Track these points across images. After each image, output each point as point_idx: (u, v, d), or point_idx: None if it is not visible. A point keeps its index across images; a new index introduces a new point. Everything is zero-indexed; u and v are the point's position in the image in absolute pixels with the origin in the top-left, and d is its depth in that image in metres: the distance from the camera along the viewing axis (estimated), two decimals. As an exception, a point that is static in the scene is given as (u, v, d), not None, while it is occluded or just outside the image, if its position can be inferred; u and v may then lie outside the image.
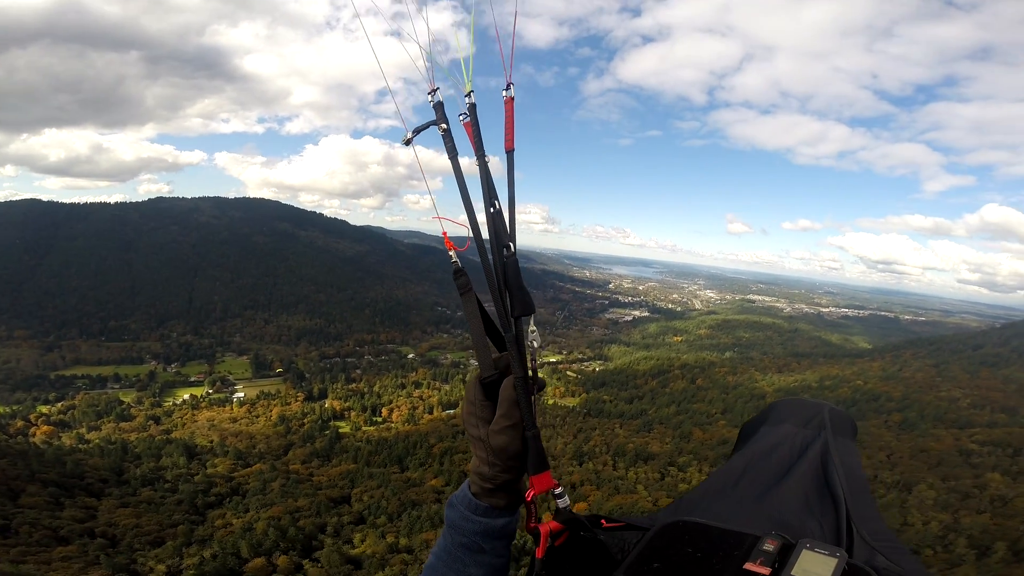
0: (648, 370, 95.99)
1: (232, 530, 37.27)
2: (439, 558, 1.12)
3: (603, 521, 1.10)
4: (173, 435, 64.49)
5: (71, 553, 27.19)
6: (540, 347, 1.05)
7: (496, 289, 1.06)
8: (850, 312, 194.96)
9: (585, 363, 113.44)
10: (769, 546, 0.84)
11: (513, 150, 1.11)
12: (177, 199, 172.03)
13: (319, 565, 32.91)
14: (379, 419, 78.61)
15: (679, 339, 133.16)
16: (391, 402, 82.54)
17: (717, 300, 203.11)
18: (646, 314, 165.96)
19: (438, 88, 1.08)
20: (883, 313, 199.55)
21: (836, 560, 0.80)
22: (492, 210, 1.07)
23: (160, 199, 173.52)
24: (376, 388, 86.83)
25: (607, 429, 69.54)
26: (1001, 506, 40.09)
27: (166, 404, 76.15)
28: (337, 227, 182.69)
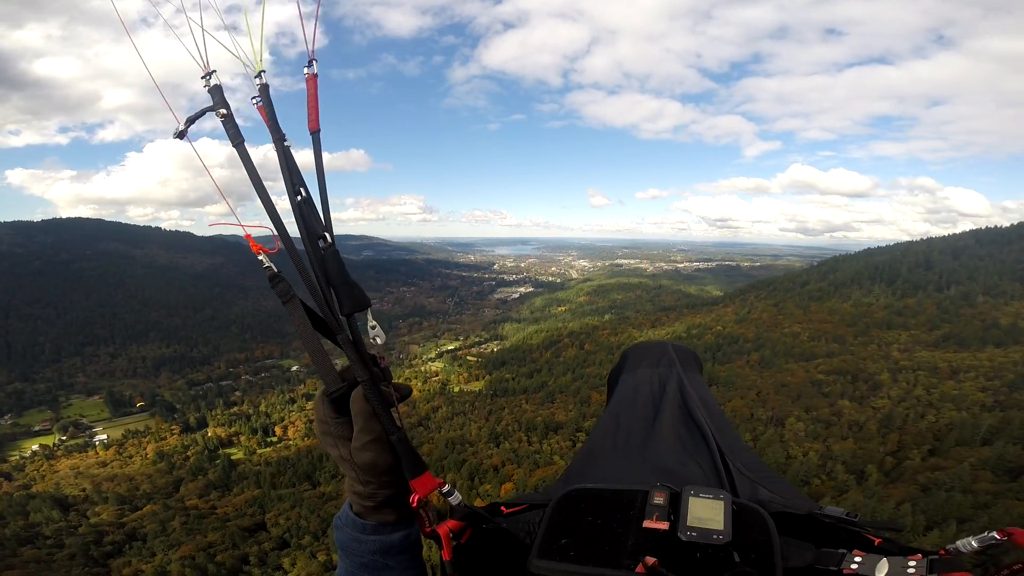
0: (541, 343, 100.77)
1: None
2: None
3: (503, 508, 1.07)
4: (34, 488, 56.11)
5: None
6: (384, 343, 0.94)
7: (317, 287, 0.93)
8: (701, 265, 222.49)
9: (483, 345, 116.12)
10: (659, 499, 0.85)
11: (318, 130, 0.99)
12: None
13: None
14: (274, 439, 74.43)
15: (563, 309, 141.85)
16: (283, 419, 78.17)
17: (590, 268, 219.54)
18: (531, 289, 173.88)
19: (214, 71, 0.94)
20: (727, 263, 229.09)
21: (722, 502, 0.83)
22: (299, 198, 0.95)
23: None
24: (262, 408, 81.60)
25: (515, 406, 71.97)
26: (858, 431, 43.43)
27: (12, 459, 65.84)
28: (181, 240, 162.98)
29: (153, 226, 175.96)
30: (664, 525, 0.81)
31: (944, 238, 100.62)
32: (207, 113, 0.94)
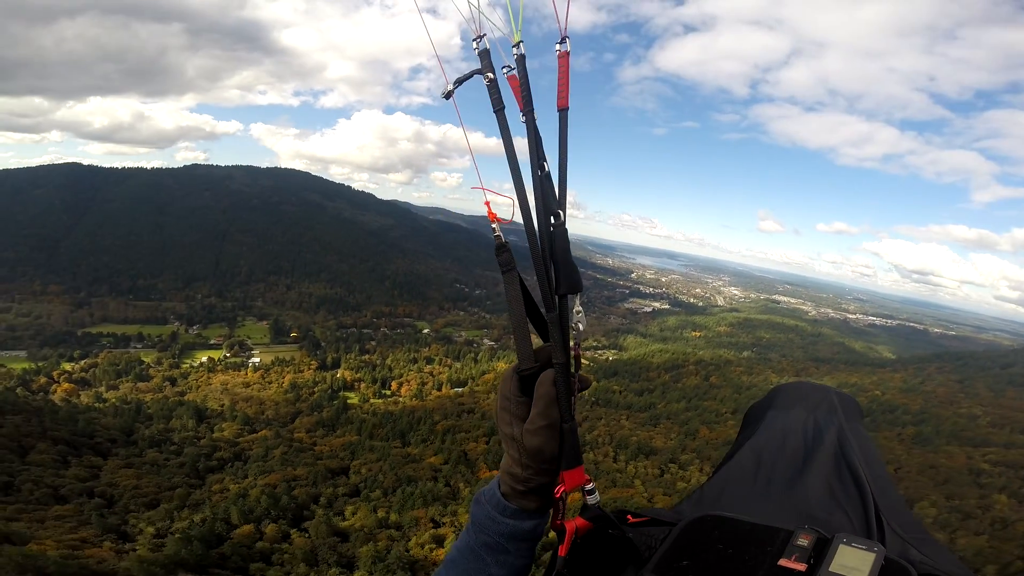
0: (662, 363, 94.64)
1: (227, 496, 38.08)
2: (461, 553, 1.06)
3: (629, 516, 1.06)
4: (187, 397, 66.03)
5: (67, 513, 28.27)
6: (584, 331, 0.96)
7: (541, 263, 0.94)
8: (878, 321, 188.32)
9: (599, 351, 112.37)
10: (803, 541, 0.81)
11: (567, 108, 0.99)
12: (212, 166, 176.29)
13: (307, 535, 33.27)
14: (388, 392, 78.97)
15: (698, 334, 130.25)
16: (401, 376, 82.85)
17: (741, 298, 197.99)
18: (666, 306, 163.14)
19: (484, 35, 0.96)
20: (912, 324, 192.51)
21: (874, 555, 0.77)
22: (540, 173, 0.95)
23: (196, 166, 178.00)
24: (388, 361, 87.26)
25: (613, 420, 68.67)
26: (1001, 528, 38.91)
27: (184, 366, 77.81)
28: (364, 200, 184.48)
29: (345, 184, 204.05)
30: (802, 567, 0.77)
31: None
32: (474, 75, 0.97)
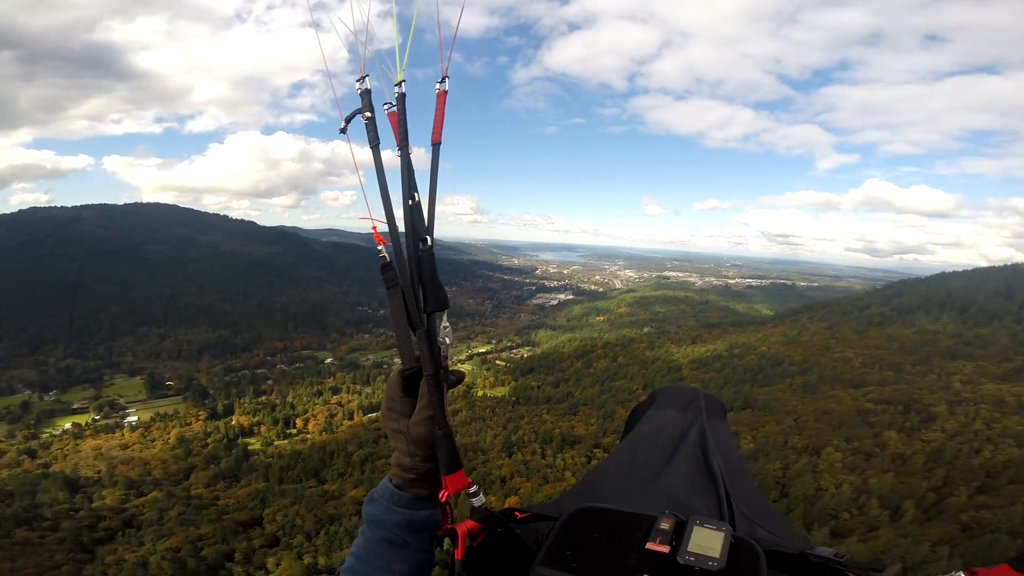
0: (573, 352, 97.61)
1: (124, 567, 33.84)
2: (359, 558, 1.09)
3: (516, 513, 1.12)
4: (53, 469, 57.74)
5: None
6: (452, 344, 1.06)
7: (409, 283, 1.05)
8: (754, 282, 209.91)
9: (514, 350, 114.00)
10: (665, 525, 0.92)
11: (440, 143, 1.10)
12: (54, 208, 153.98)
13: None
14: (293, 431, 74.41)
15: (601, 319, 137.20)
16: (306, 411, 78.36)
17: (636, 279, 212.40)
18: (571, 297, 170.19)
19: (368, 75, 1.05)
20: (782, 281, 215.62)
21: (723, 534, 0.90)
22: (411, 203, 1.06)
23: (34, 209, 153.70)
24: (290, 398, 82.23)
25: (535, 416, 69.49)
26: (902, 464, 41.62)
27: (43, 436, 68.08)
28: (244, 229, 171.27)
29: (222, 214, 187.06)
30: (665, 548, 0.88)
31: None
32: (356, 115, 1.08)
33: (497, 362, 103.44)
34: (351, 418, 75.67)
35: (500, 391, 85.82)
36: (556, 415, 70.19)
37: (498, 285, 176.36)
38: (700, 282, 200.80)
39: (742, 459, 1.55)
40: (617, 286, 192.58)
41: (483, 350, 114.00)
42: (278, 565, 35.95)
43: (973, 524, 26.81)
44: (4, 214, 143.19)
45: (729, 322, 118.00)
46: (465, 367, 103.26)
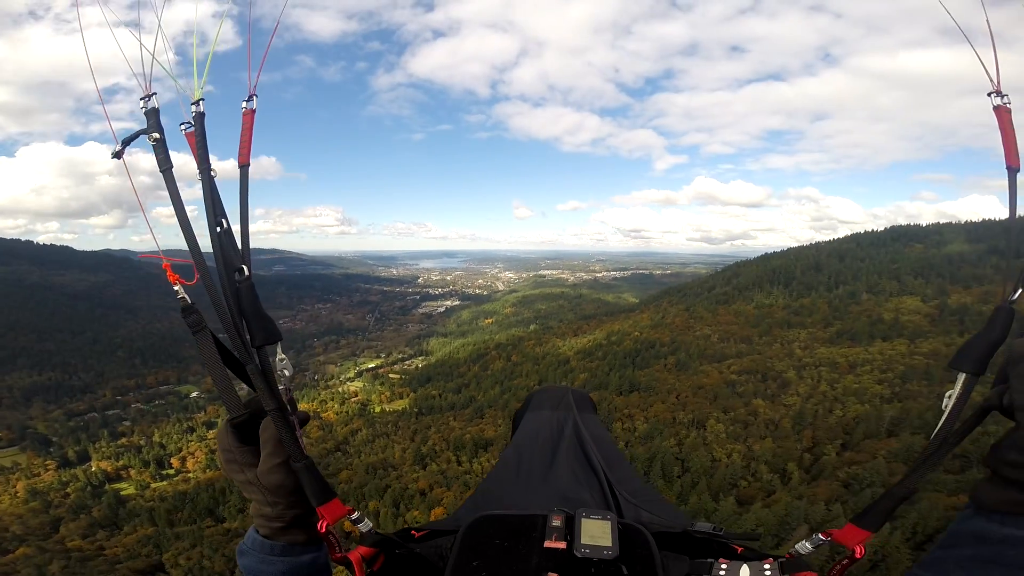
0: (468, 356, 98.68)
1: None
2: None
3: (413, 532, 1.13)
4: None
5: None
6: (292, 375, 0.98)
7: (229, 319, 0.93)
8: (618, 274, 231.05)
9: (407, 362, 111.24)
10: (556, 522, 0.98)
11: (247, 165, 1.00)
12: None
13: None
14: (171, 471, 67.37)
15: (490, 321, 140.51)
16: (181, 450, 70.91)
17: (516, 280, 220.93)
18: (457, 303, 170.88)
19: (154, 94, 0.95)
20: (641, 271, 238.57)
21: (609, 522, 0.97)
22: (220, 229, 0.94)
23: None
24: (156, 438, 73.73)
25: (442, 424, 68.72)
26: (775, 429, 44.08)
27: None
28: (57, 255, 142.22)
29: (24, 239, 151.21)
30: (562, 544, 0.94)
31: (829, 242, 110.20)
32: (140, 135, 0.95)
33: (391, 375, 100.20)
34: (236, 450, 68.17)
35: (399, 404, 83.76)
36: (463, 420, 70.02)
37: (378, 297, 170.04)
38: (572, 278, 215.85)
39: (616, 447, 1.69)
40: (499, 288, 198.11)
41: (373, 365, 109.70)
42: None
43: (851, 480, 30.09)
44: None
45: (603, 312, 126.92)
46: (355, 384, 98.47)
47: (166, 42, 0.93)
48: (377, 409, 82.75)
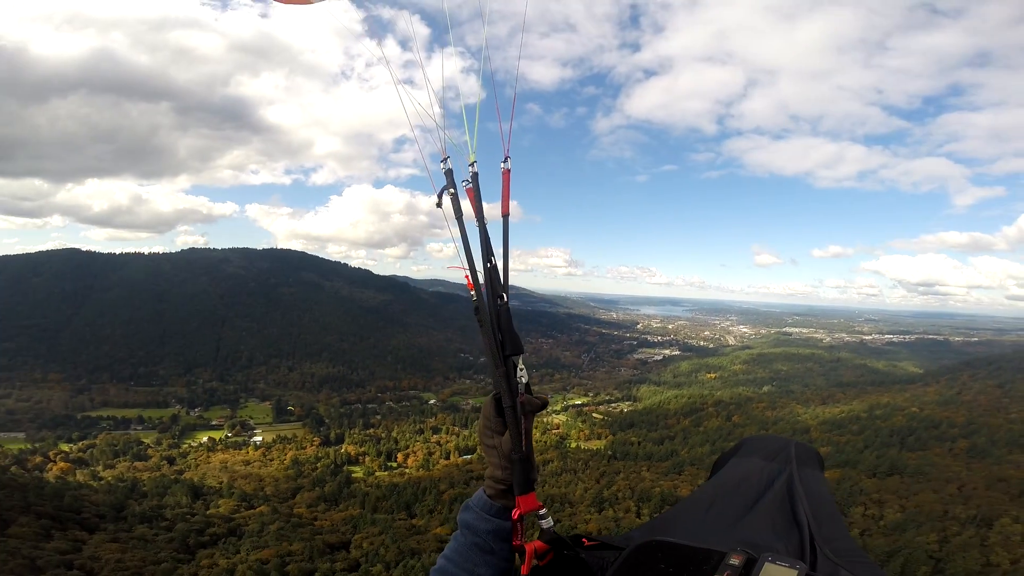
0: (680, 408, 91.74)
1: (214, 571, 35.11)
2: (449, 559, 1.22)
3: (584, 540, 1.18)
4: (185, 476, 63.63)
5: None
6: (526, 380, 1.25)
7: (491, 332, 1.27)
8: (895, 338, 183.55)
9: (612, 404, 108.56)
10: (735, 560, 0.91)
11: (508, 215, 1.35)
12: (208, 250, 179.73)
13: None
14: (394, 464, 76.86)
15: (713, 376, 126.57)
16: (407, 447, 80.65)
17: (752, 335, 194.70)
18: (677, 352, 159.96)
19: (448, 157, 1.31)
20: (931, 336, 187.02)
21: (796, 571, 0.86)
22: (488, 265, 1.30)
23: (192, 250, 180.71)
24: (394, 434, 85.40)
25: (632, 472, 64.66)
26: None
27: (183, 446, 76.08)
28: (361, 277, 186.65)
29: (342, 262, 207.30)
30: None
31: None
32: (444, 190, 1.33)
33: (594, 415, 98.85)
34: (448, 457, 76.38)
35: (596, 444, 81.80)
36: (657, 473, 64.70)
37: (595, 338, 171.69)
38: (829, 338, 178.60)
39: (835, 506, 1.48)
40: (730, 342, 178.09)
41: (579, 402, 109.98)
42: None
43: None
44: (170, 252, 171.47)
45: (867, 381, 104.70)
46: (560, 418, 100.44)
47: (442, 108, 1.27)
48: (573, 445, 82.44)
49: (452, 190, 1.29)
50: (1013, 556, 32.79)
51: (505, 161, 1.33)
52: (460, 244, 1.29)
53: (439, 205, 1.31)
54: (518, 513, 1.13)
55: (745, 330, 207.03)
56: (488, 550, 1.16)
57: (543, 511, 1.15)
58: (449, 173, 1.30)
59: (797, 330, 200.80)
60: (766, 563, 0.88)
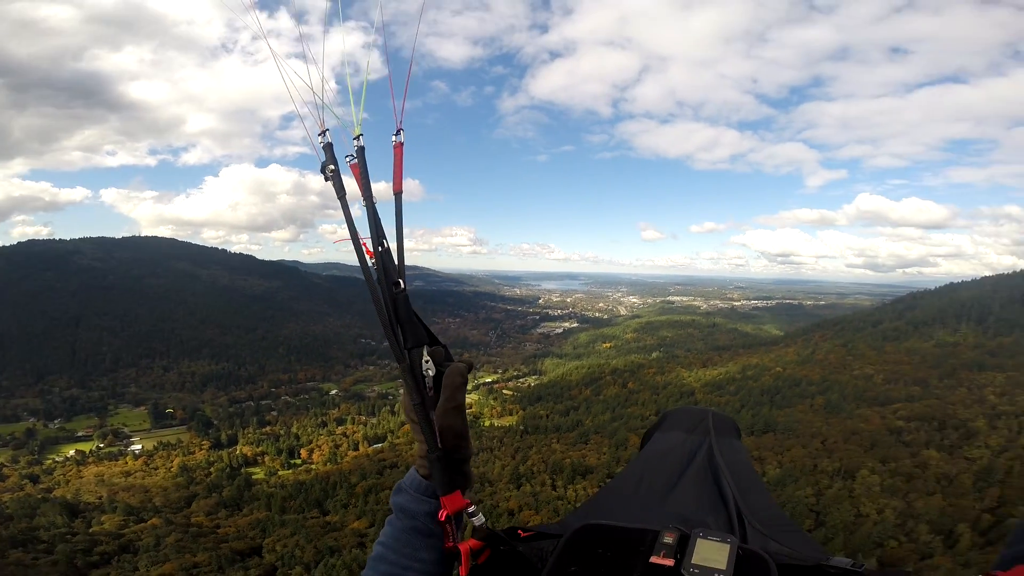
0: (581, 379, 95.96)
1: None
2: (387, 546, 1.13)
3: (520, 532, 1.14)
4: (54, 493, 56.59)
5: None
6: (434, 375, 1.11)
7: (387, 324, 1.13)
8: (759, 303, 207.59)
9: (520, 379, 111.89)
10: (668, 539, 0.91)
11: (401, 192, 1.19)
12: (53, 241, 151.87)
13: None
14: (298, 461, 72.80)
15: (608, 345, 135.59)
16: (311, 442, 76.72)
17: (640, 305, 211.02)
18: (576, 325, 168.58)
19: (328, 130, 1.12)
20: (788, 301, 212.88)
21: (728, 545, 0.88)
22: (380, 249, 1.14)
23: (32, 242, 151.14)
24: (294, 429, 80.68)
25: (544, 445, 67.14)
26: (948, 485, 39.07)
27: (47, 462, 67.06)
28: (243, 263, 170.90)
29: (220, 248, 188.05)
30: (669, 562, 0.87)
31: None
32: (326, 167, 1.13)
33: (504, 391, 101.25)
34: (356, 448, 73.94)
35: (508, 420, 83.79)
36: (566, 444, 67.91)
37: (501, 315, 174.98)
38: (705, 305, 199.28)
39: (756, 474, 1.52)
40: (622, 313, 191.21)
41: (489, 380, 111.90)
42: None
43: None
44: (3, 246, 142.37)
45: (739, 344, 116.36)
46: (472, 397, 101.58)
47: (323, 76, 1.08)
48: (487, 423, 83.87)
49: (332, 167, 1.11)
50: (877, 506, 37.09)
51: (397, 134, 1.17)
52: (347, 227, 1.11)
53: (327, 180, 1.13)
54: (444, 514, 1.05)
55: (634, 300, 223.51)
56: (427, 532, 1.10)
57: (472, 508, 1.09)
58: (328, 147, 1.12)
59: (679, 298, 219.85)
60: (698, 539, 0.90)
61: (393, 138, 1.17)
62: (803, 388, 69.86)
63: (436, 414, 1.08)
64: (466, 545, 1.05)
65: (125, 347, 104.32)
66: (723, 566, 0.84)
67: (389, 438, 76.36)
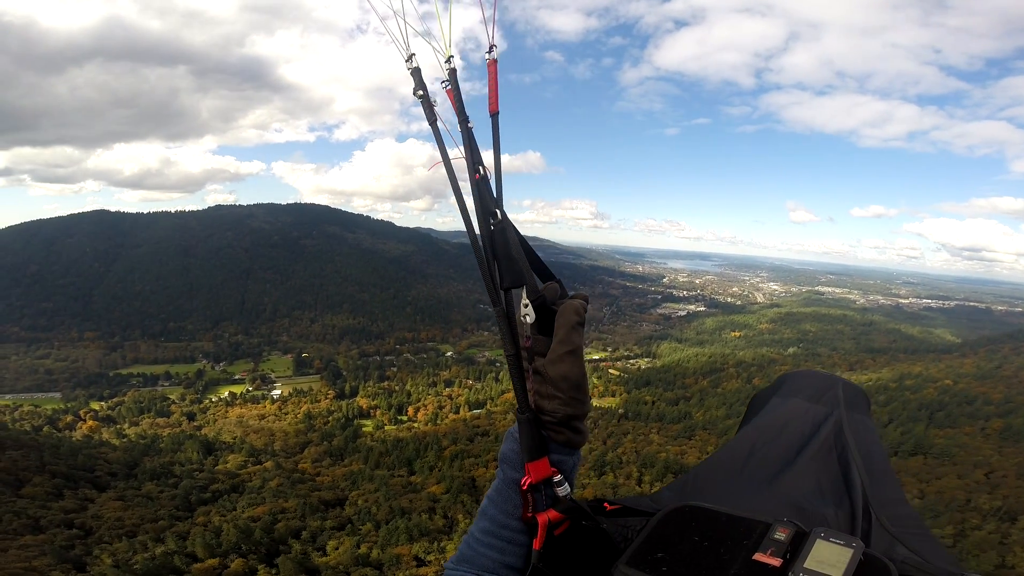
0: (699, 368, 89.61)
1: (200, 531, 36.05)
2: (491, 500, 1.05)
3: (606, 504, 1.05)
4: (203, 431, 65.80)
5: (34, 543, 26.86)
6: (534, 322, 0.98)
7: (483, 260, 0.99)
8: (933, 303, 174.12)
9: (631, 360, 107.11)
10: (780, 534, 0.79)
11: (497, 112, 1.09)
12: (235, 206, 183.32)
13: (274, 572, 30.87)
14: (404, 418, 77.02)
15: (738, 334, 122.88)
16: (419, 400, 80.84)
17: (782, 293, 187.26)
18: (702, 308, 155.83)
19: (414, 54, 1.05)
20: (972, 304, 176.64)
21: (852, 551, 0.75)
22: (476, 177, 1.03)
23: (219, 207, 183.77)
24: (408, 386, 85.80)
25: (641, 435, 63.50)
26: None
27: (205, 402, 78.59)
28: (384, 229, 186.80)
29: (365, 215, 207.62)
30: (777, 562, 0.75)
31: None
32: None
33: (610, 371, 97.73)
34: (457, 412, 76.42)
35: (609, 401, 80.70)
36: (666, 436, 63.55)
37: (619, 291, 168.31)
38: (863, 300, 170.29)
39: (888, 460, 1.27)
40: (758, 300, 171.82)
41: (596, 357, 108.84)
42: (337, 548, 36.18)
43: None
44: (197, 210, 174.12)
45: (900, 348, 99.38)
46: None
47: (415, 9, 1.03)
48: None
49: (420, 92, 1.03)
50: (1035, 559, 29.93)
51: (490, 51, 1.08)
52: (440, 154, 1.02)
53: (432, 121, 1.05)
54: (527, 483, 0.95)
55: (775, 287, 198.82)
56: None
57: (558, 477, 0.97)
58: (416, 72, 1.04)
59: (830, 289, 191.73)
60: (818, 539, 0.76)
61: (486, 55, 1.09)
62: (977, 407, 58.75)
63: (547, 360, 0.93)
64: (544, 516, 0.95)
65: (283, 299, 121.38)
66: (840, 573, 0.71)
67: (488, 405, 77.99)
